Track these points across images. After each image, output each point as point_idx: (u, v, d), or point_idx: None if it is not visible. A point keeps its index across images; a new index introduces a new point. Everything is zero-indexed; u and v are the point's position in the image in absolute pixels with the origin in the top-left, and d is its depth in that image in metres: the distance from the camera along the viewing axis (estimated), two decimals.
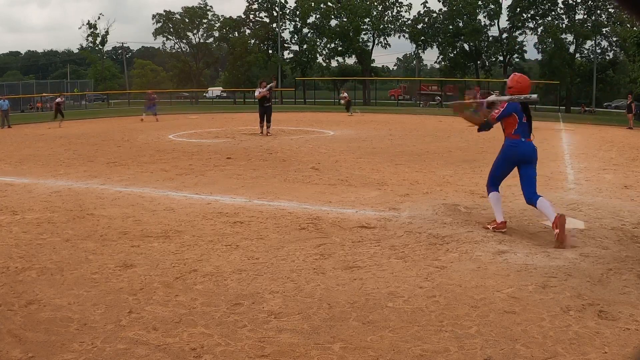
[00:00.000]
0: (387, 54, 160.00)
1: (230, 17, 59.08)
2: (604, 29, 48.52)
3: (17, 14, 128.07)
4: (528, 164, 5.03)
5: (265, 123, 16.11)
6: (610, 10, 46.81)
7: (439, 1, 51.80)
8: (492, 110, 5.15)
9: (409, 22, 54.67)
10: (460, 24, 51.36)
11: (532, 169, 5.05)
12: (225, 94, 59.72)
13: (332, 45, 55.69)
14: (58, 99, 25.73)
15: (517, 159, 5.06)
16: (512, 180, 8.17)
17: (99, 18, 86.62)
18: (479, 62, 52.75)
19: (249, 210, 6.15)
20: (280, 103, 45.05)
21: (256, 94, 16.51)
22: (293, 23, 58.39)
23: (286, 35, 58.70)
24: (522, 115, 5.03)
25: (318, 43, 56.30)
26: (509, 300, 3.49)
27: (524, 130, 5.03)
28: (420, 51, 55.88)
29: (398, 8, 55.36)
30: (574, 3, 48.83)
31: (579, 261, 4.29)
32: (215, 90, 60.61)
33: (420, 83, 53.26)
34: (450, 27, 51.73)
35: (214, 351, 2.84)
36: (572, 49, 49.34)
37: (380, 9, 55.24)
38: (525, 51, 51.96)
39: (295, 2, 56.71)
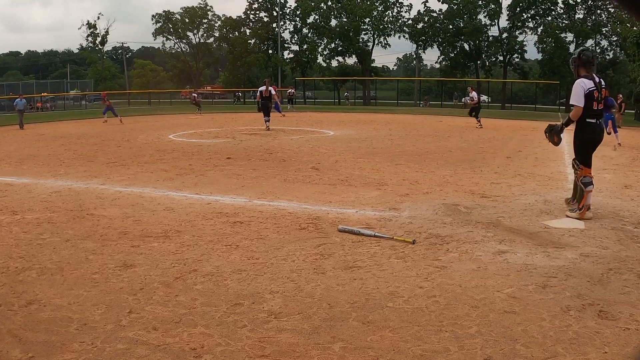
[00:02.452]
0: (387, 54, 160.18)
1: (231, 17, 59.17)
2: (603, 29, 48.52)
3: (18, 13, 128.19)
4: None
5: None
6: (610, 9, 46.80)
7: (439, 1, 51.80)
8: None
9: (409, 22, 54.66)
10: (461, 24, 51.35)
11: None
12: (83, 97, 47.48)
13: (332, 45, 55.69)
14: (194, 94, 29.94)
15: None
16: (513, 180, 8.20)
17: (98, 18, 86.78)
18: (479, 62, 52.73)
19: (249, 210, 6.15)
20: (280, 103, 44.98)
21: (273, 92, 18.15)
22: (293, 23, 58.42)
23: (286, 35, 58.77)
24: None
25: (318, 43, 56.25)
26: (509, 300, 3.49)
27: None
28: (420, 51, 55.94)
29: (398, 8, 55.40)
30: (574, 2, 48.82)
31: (579, 261, 4.29)
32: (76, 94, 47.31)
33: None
34: (451, 26, 51.70)
35: (214, 351, 2.84)
36: (572, 48, 49.32)
37: (380, 9, 55.21)
38: (526, 51, 51.96)
39: (295, 2, 56.75)
